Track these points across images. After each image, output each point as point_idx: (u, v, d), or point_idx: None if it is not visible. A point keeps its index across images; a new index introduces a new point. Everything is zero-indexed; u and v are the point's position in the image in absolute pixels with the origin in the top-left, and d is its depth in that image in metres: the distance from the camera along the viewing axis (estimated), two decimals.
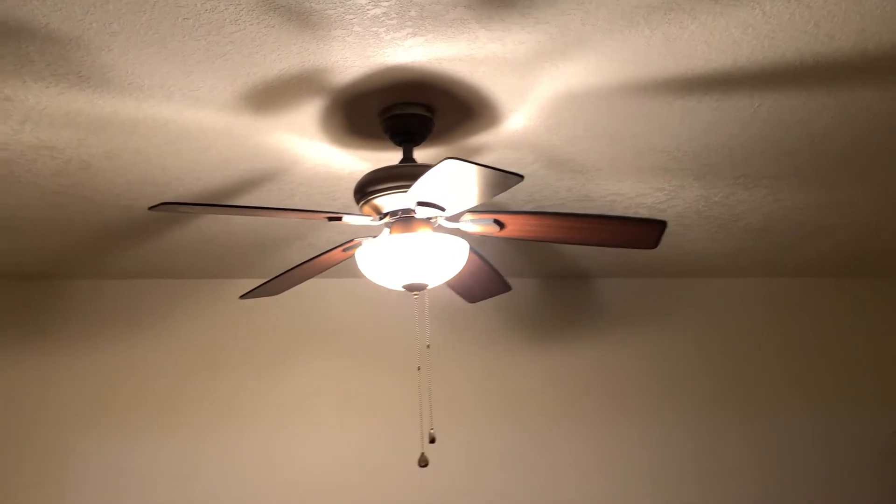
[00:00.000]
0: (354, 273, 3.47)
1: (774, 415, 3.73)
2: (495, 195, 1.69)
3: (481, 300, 2.60)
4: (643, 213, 2.97)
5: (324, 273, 3.28)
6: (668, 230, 3.17)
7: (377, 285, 3.39)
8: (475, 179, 1.58)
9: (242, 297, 2.37)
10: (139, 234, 2.98)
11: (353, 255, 2.24)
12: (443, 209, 1.87)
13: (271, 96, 2.03)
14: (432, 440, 2.05)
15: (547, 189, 2.73)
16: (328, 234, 3.07)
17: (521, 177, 1.52)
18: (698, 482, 3.60)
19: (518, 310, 3.69)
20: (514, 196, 2.77)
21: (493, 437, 3.53)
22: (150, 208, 1.75)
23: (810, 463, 3.68)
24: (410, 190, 1.75)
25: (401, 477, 3.38)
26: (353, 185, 2.58)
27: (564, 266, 3.63)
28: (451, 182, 1.62)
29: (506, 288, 2.51)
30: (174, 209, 1.75)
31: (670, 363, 3.75)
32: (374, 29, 1.77)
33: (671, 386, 3.72)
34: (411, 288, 2.02)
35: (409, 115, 2.08)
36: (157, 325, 3.46)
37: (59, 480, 3.24)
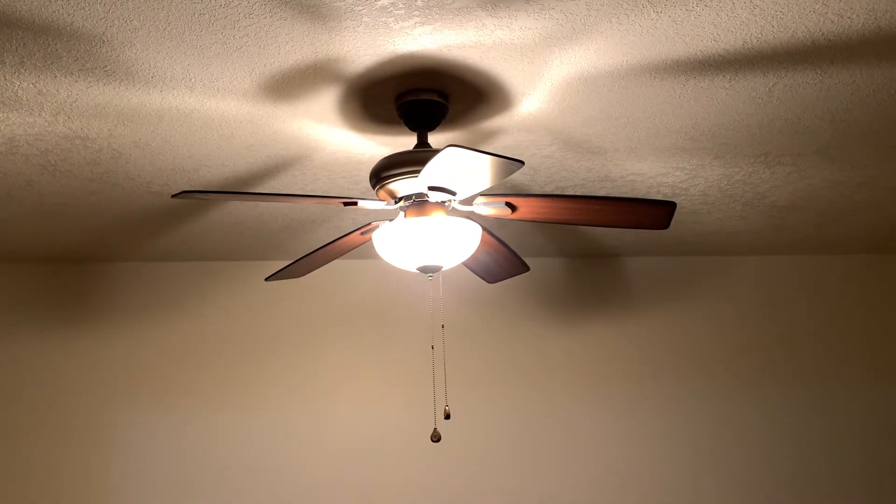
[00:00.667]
0: (375, 255, 3.58)
1: (808, 394, 3.71)
2: (501, 180, 1.74)
3: (500, 280, 2.64)
4: (665, 192, 2.98)
5: (349, 255, 3.39)
6: (693, 209, 3.19)
7: (395, 267, 3.50)
8: (478, 165, 1.62)
9: (267, 279, 2.46)
10: (171, 219, 3.09)
11: (370, 238, 2.31)
12: (454, 193, 1.92)
13: (288, 85, 2.10)
14: (447, 416, 2.11)
15: (566, 170, 2.76)
16: (353, 216, 3.14)
17: (522, 163, 1.56)
18: (721, 461, 3.62)
19: (538, 289, 3.73)
20: (535, 178, 2.80)
21: (508, 415, 3.59)
22: (173, 196, 1.84)
23: (843, 442, 3.66)
24: (420, 176, 1.80)
25: (416, 453, 3.47)
26: None
27: (588, 245, 3.65)
28: (457, 168, 1.67)
29: (524, 268, 2.55)
30: (194, 197, 1.82)
31: (696, 342, 3.75)
32: (383, 19, 1.81)
33: (696, 365, 3.73)
34: (426, 270, 2.08)
35: (423, 101, 2.13)
36: (188, 305, 3.60)
37: (105, 449, 3.42)
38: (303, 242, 3.40)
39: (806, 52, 2.01)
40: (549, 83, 2.14)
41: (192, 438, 3.46)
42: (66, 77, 2.01)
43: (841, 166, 2.80)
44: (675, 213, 2.92)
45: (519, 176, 2.77)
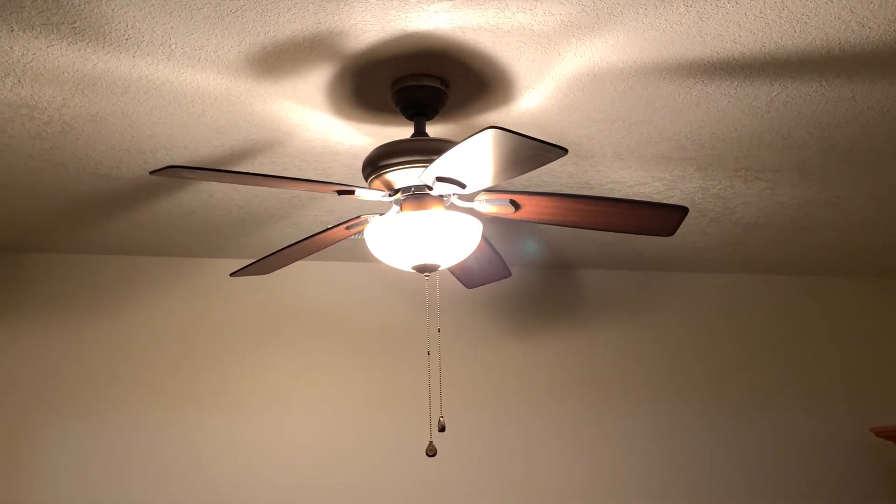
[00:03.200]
0: (358, 256, 3.38)
1: (759, 410, 3.74)
2: (530, 170, 1.61)
3: (480, 285, 2.51)
4: None
5: (323, 256, 3.18)
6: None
7: (380, 267, 3.31)
8: (514, 152, 1.49)
9: (234, 274, 2.24)
10: (115, 206, 2.81)
11: (353, 235, 2.14)
12: (463, 186, 1.78)
13: (279, 60, 1.91)
14: (442, 428, 1.95)
15: (547, 174, 2.66)
16: (314, 214, 2.95)
17: (565, 150, 1.44)
18: (694, 473, 3.59)
19: (515, 298, 3.62)
20: (512, 182, 2.68)
21: (505, 426, 3.47)
22: (152, 172, 1.62)
23: (797, 458, 3.69)
24: (434, 163, 1.66)
25: (408, 467, 3.29)
26: (350, 161, 2.49)
27: (551, 255, 3.57)
28: (487, 154, 1.53)
29: (507, 273, 2.43)
30: (178, 174, 1.61)
31: (659, 355, 3.73)
32: None
33: (664, 377, 3.70)
34: (422, 269, 1.92)
35: (424, 87, 1.98)
36: (131, 304, 3.29)
37: (27, 465, 3.05)
38: (258, 240, 3.18)
39: (817, 60, 1.98)
40: (555, 77, 2.03)
41: (133, 454, 3.14)
42: (24, 31, 1.76)
43: (813, 184, 2.81)
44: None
45: None
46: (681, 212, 1.92)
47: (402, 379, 3.36)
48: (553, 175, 2.67)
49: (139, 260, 3.34)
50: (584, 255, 3.56)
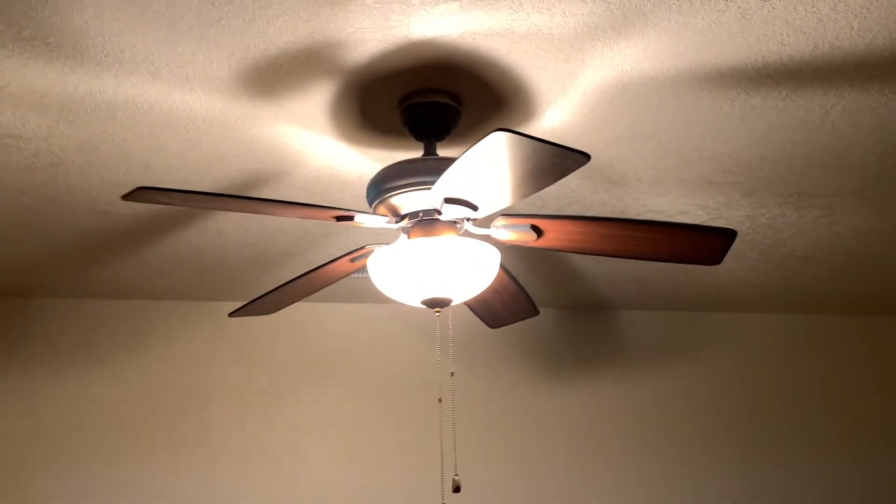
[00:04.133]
0: (361, 297, 3.18)
1: (810, 459, 3.41)
2: (550, 184, 1.39)
3: (505, 325, 2.28)
4: None
5: (327, 296, 2.98)
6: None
7: (386, 305, 3.10)
8: (529, 161, 1.28)
9: (232, 314, 2.05)
10: (116, 246, 2.66)
11: (361, 267, 1.94)
12: (475, 208, 1.57)
13: (273, 77, 1.74)
14: (457, 489, 1.71)
15: (578, 202, 2.44)
16: (330, 251, 2.76)
17: (588, 156, 1.22)
18: None
19: (541, 340, 3.37)
20: (541, 209, 2.47)
21: (525, 482, 3.17)
22: (124, 197, 1.45)
23: None
24: (438, 182, 1.45)
25: None
26: (360, 191, 2.30)
27: (585, 295, 3.32)
28: (498, 166, 1.32)
29: (534, 312, 2.20)
30: (152, 197, 1.44)
31: (699, 403, 3.43)
32: None
33: (704, 428, 3.39)
34: (432, 303, 1.71)
35: (434, 104, 1.79)
36: (132, 351, 3.11)
37: None
38: (270, 281, 2.99)
39: (880, 64, 1.74)
40: (580, 89, 1.83)
41: (138, 498, 2.93)
42: None
43: (875, 211, 2.55)
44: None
45: (520, 206, 2.44)
46: (726, 235, 1.68)
47: (415, 429, 3.11)
48: (584, 203, 2.45)
49: (142, 304, 3.17)
50: (620, 294, 3.30)
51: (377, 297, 3.22)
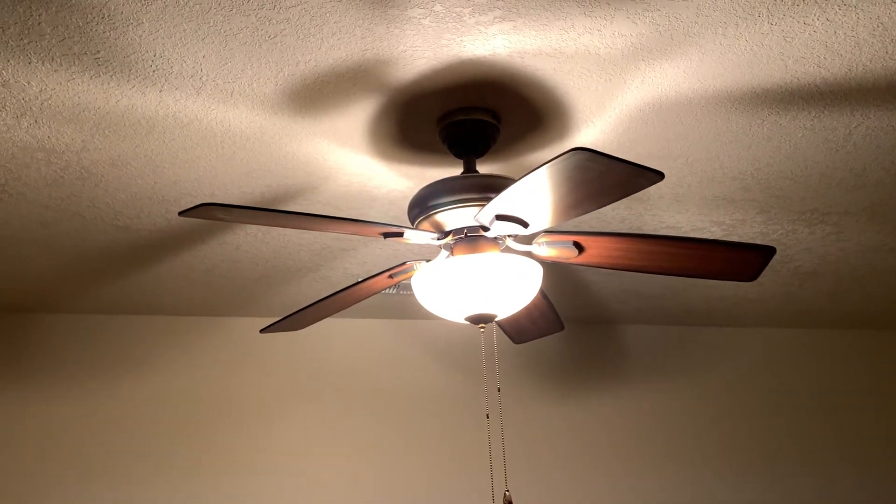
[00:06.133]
0: (400, 314, 3.16)
1: (813, 475, 3.46)
2: (615, 201, 1.42)
3: (529, 340, 2.30)
4: None
5: (353, 313, 2.94)
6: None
7: (391, 321, 3.09)
8: (600, 180, 1.30)
9: (264, 330, 2.04)
10: (134, 261, 2.63)
11: (387, 289, 1.95)
12: (525, 225, 1.59)
13: (318, 94, 1.75)
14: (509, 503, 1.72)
15: (597, 219, 2.47)
16: (345, 266, 2.76)
17: (662, 175, 1.25)
18: None
19: (546, 354, 3.38)
20: (561, 225, 2.50)
21: (526, 493, 3.17)
22: (182, 213, 1.44)
23: None
24: (498, 198, 1.47)
25: None
26: (386, 207, 2.32)
27: (591, 309, 3.35)
28: (564, 184, 1.34)
29: (560, 326, 2.22)
30: (213, 213, 1.43)
31: (702, 417, 3.47)
32: (458, 9, 1.50)
33: (702, 439, 3.43)
34: (477, 320, 1.72)
35: (474, 122, 1.81)
36: (145, 366, 3.07)
37: None
38: (284, 297, 2.98)
39: None
40: (618, 109, 1.86)
41: None
42: (43, 63, 1.61)
43: (882, 228, 2.61)
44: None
45: None
46: (765, 253, 1.72)
47: (450, 448, 3.06)
48: (603, 220, 2.48)
49: (157, 320, 3.14)
50: (625, 308, 3.34)
51: (390, 313, 3.22)
